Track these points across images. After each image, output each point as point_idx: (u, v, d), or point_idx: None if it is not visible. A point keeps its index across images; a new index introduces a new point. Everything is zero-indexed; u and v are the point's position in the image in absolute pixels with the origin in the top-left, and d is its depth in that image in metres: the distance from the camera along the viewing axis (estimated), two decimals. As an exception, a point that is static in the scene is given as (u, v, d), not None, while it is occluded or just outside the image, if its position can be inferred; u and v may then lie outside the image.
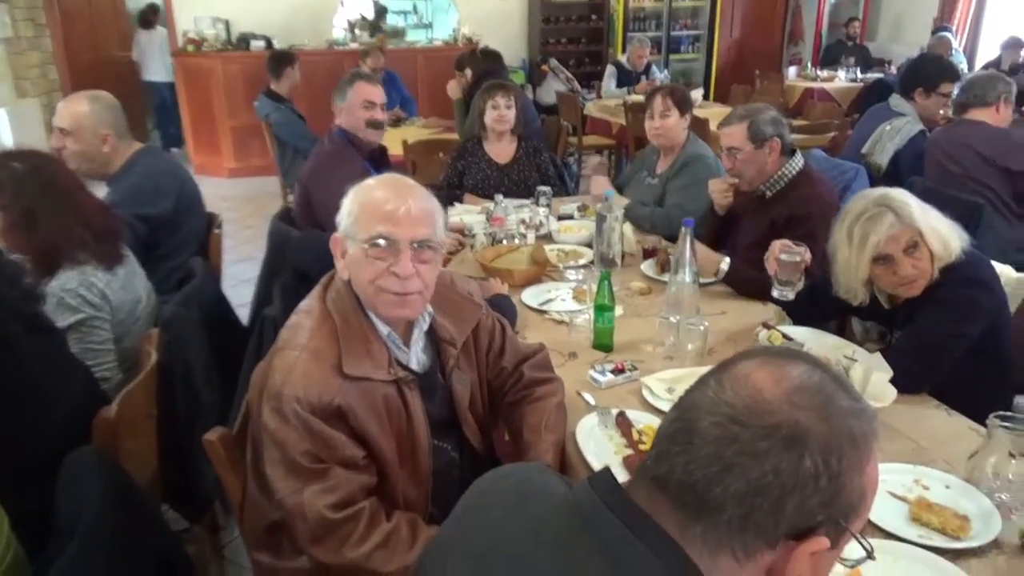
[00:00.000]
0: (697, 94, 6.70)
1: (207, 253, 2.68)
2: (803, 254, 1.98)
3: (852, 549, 0.74)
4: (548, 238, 2.85)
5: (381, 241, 1.32)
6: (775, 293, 2.03)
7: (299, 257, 2.33)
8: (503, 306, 2.04)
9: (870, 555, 0.74)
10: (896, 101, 3.57)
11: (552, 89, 7.63)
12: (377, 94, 2.98)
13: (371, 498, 1.32)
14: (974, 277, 1.71)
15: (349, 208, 1.37)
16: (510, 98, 3.36)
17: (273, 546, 1.42)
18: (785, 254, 1.99)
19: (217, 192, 6.81)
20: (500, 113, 3.36)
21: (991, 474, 1.34)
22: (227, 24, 7.32)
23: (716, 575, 0.71)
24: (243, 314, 2.71)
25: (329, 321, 1.35)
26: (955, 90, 3.28)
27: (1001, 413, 1.35)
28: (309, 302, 1.41)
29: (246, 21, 7.37)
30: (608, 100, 6.63)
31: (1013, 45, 6.37)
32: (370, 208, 1.34)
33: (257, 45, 7.10)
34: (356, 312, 1.37)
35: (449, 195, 3.44)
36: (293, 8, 7.55)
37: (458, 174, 3.50)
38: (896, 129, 3.42)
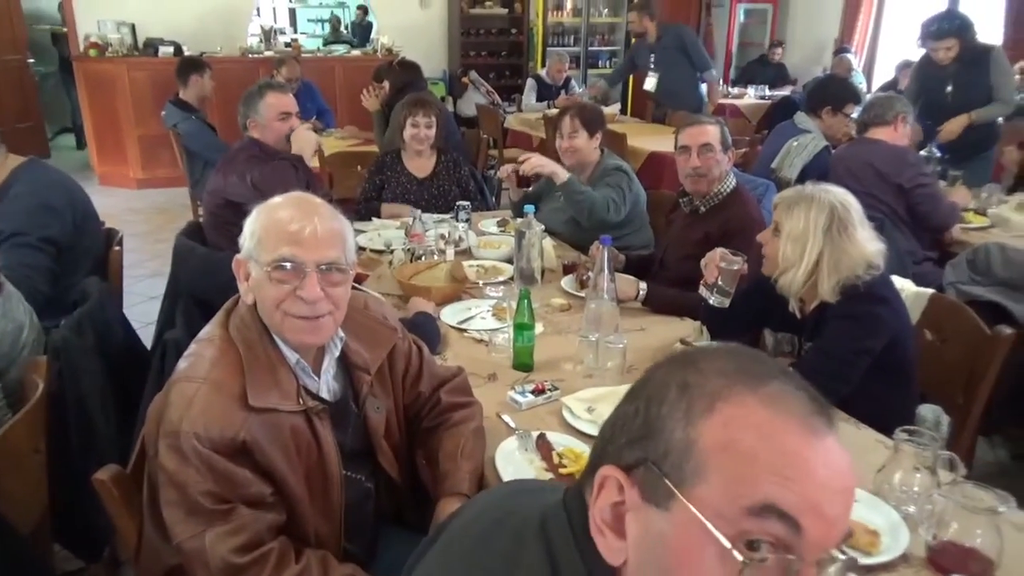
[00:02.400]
0: (614, 109, 6.84)
1: (106, 272, 2.52)
2: (740, 263, 2.01)
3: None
4: (468, 254, 2.82)
5: (286, 264, 1.25)
6: (713, 301, 2.03)
7: (197, 283, 2.21)
8: (425, 326, 2.00)
9: (748, 563, 0.62)
10: (801, 119, 3.72)
11: (472, 101, 7.63)
12: (290, 103, 2.90)
13: (280, 538, 1.24)
14: (875, 294, 1.77)
15: (252, 228, 1.30)
16: (431, 117, 3.32)
17: (173, 592, 1.33)
18: (724, 262, 2.02)
19: (125, 204, 6.52)
20: (419, 132, 3.31)
21: (898, 487, 1.37)
22: (133, 28, 7.01)
23: None
24: (152, 333, 2.57)
25: (232, 350, 1.27)
26: (856, 111, 3.47)
27: (907, 428, 1.39)
28: (210, 329, 1.32)
29: (154, 26, 7.08)
30: (528, 113, 6.67)
31: (906, 67, 6.72)
32: (273, 228, 1.27)
33: (166, 51, 6.83)
34: (262, 339, 1.30)
35: (368, 209, 3.37)
36: (204, 14, 7.30)
37: (376, 188, 3.43)
38: (803, 145, 3.55)
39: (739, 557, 0.60)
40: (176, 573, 1.29)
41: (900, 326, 1.84)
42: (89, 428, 1.87)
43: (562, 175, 2.89)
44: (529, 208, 2.49)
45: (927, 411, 2.07)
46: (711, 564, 0.62)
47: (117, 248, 2.57)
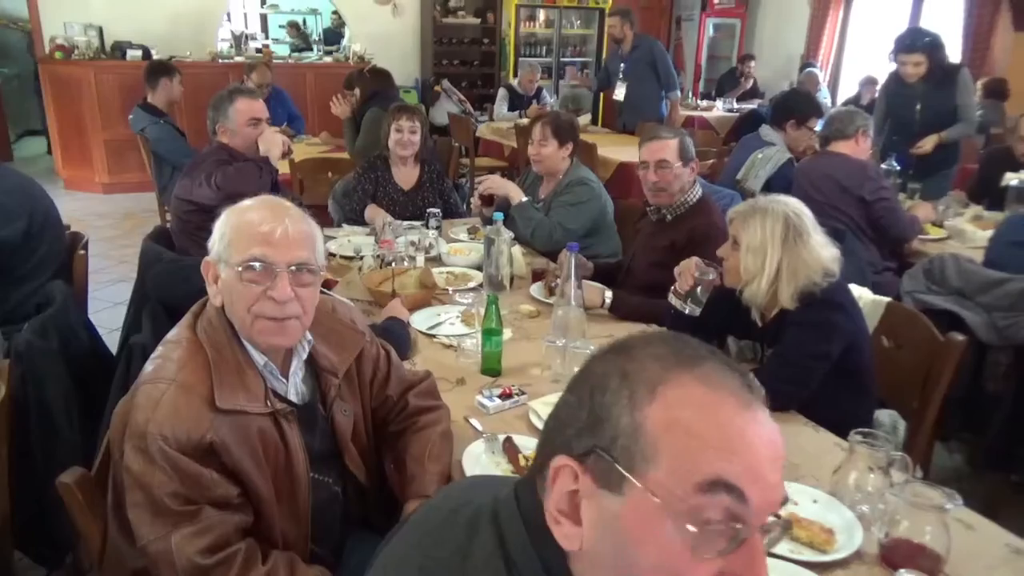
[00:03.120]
0: (585, 119, 6.92)
1: (70, 276, 2.49)
2: (715, 273, 2.04)
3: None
4: (438, 260, 2.84)
5: (256, 264, 1.26)
6: (687, 310, 2.07)
7: (164, 288, 2.19)
8: (396, 331, 2.01)
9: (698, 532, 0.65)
10: (766, 131, 3.80)
11: (444, 110, 7.65)
12: (260, 109, 2.89)
13: (247, 539, 1.25)
14: (832, 301, 1.83)
15: (221, 231, 1.30)
16: (415, 122, 3.34)
17: (137, 596, 1.32)
18: (699, 271, 2.05)
19: (90, 208, 6.44)
20: (404, 137, 3.32)
21: (853, 488, 1.42)
22: (100, 31, 6.93)
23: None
24: (116, 339, 2.54)
25: (200, 352, 1.27)
26: (819, 125, 3.57)
27: (861, 430, 1.43)
28: (178, 332, 1.32)
29: (122, 29, 7.00)
30: (500, 123, 6.71)
31: (869, 83, 6.91)
32: (244, 230, 1.28)
33: (134, 55, 6.76)
34: (230, 342, 1.30)
35: (351, 212, 3.37)
36: (174, 18, 7.24)
37: (369, 195, 3.41)
38: (767, 157, 3.63)
39: (693, 529, 0.64)
40: (141, 576, 1.28)
41: (857, 332, 1.89)
42: (52, 433, 1.86)
43: (515, 197, 2.98)
44: (498, 215, 2.52)
45: (884, 416, 2.14)
46: (667, 539, 0.65)
47: (82, 252, 2.54)
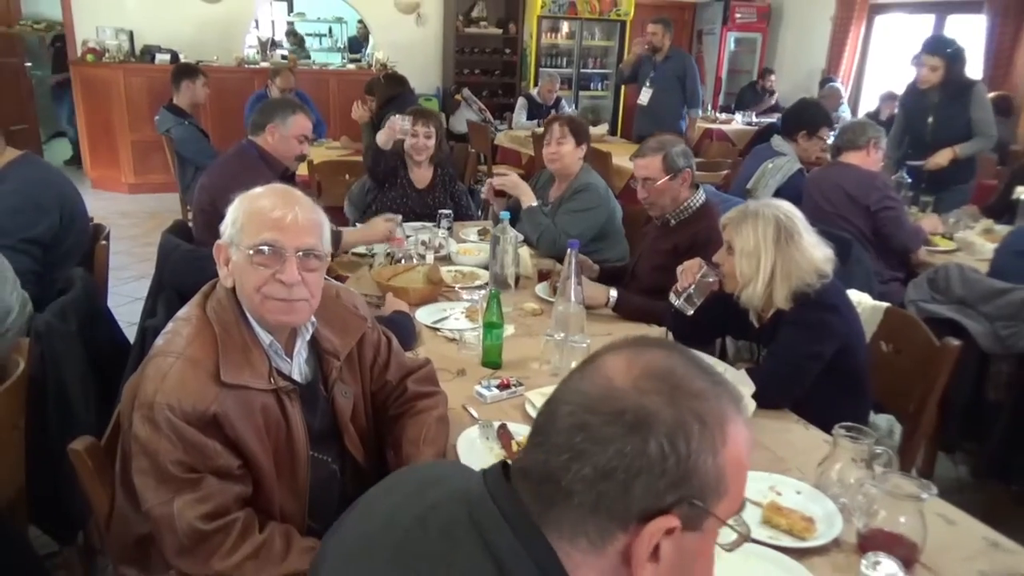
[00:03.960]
0: (603, 129, 6.97)
1: (92, 266, 2.58)
2: (715, 278, 2.06)
3: (725, 533, 0.77)
4: (447, 259, 2.90)
5: (265, 248, 1.32)
6: (677, 304, 2.09)
7: (180, 277, 2.27)
8: (402, 324, 2.07)
9: (745, 537, 0.78)
10: (777, 142, 3.83)
11: (464, 118, 7.75)
12: (310, 129, 3.02)
13: (246, 509, 1.30)
14: (825, 302, 1.86)
15: (234, 216, 1.37)
16: (430, 127, 3.43)
17: (141, 560, 1.38)
18: (701, 273, 2.08)
19: (116, 207, 6.59)
20: (419, 141, 3.41)
21: (836, 480, 1.45)
22: (131, 35, 7.12)
23: (576, 558, 0.73)
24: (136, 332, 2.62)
25: (208, 329, 1.33)
26: (831, 135, 3.60)
27: (845, 424, 1.47)
28: (188, 310, 1.39)
29: (153, 34, 7.19)
30: (518, 131, 6.79)
31: (889, 98, 6.90)
32: (256, 215, 1.35)
33: (163, 59, 6.93)
34: (238, 321, 1.36)
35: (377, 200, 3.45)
36: (202, 24, 7.41)
37: (379, 183, 3.50)
38: (778, 167, 3.66)
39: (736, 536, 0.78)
40: (145, 542, 1.34)
41: (850, 333, 1.92)
42: (68, 413, 1.92)
43: (527, 201, 3.04)
44: (505, 215, 2.58)
45: (881, 420, 2.16)
46: (712, 549, 0.77)
47: (103, 243, 2.63)
